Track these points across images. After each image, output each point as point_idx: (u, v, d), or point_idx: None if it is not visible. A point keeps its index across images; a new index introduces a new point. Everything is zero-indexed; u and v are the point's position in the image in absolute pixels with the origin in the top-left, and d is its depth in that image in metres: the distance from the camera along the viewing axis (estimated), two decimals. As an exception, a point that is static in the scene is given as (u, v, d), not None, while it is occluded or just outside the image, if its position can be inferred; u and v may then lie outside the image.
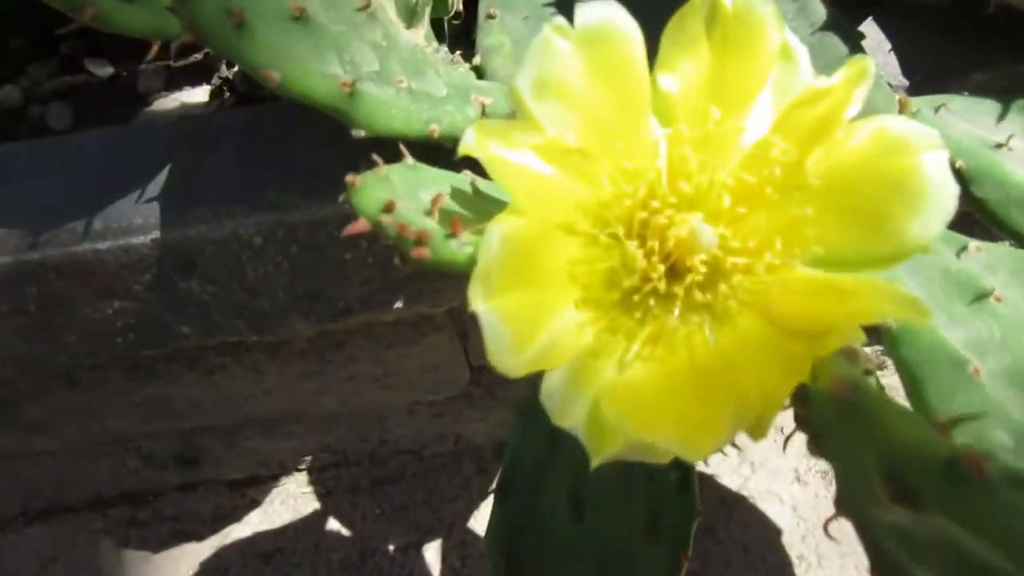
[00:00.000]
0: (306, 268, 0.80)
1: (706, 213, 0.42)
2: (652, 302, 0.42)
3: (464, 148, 0.40)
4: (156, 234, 0.80)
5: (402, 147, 0.48)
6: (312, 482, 1.27)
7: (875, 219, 0.42)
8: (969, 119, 0.65)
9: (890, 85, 0.77)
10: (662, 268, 0.41)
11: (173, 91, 1.06)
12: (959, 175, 0.63)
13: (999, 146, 0.63)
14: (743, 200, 0.42)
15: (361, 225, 0.40)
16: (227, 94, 1.00)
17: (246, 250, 0.81)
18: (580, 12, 0.41)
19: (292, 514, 1.25)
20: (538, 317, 0.40)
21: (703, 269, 0.42)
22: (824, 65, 0.70)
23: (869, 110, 0.67)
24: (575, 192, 0.42)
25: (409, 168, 0.48)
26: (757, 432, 0.38)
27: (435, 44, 0.60)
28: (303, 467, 1.25)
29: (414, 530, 1.18)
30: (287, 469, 1.25)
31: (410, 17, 0.58)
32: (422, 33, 0.58)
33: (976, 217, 0.63)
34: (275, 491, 1.27)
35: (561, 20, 0.41)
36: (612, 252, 0.42)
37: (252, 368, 1.03)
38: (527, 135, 0.41)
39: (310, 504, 1.25)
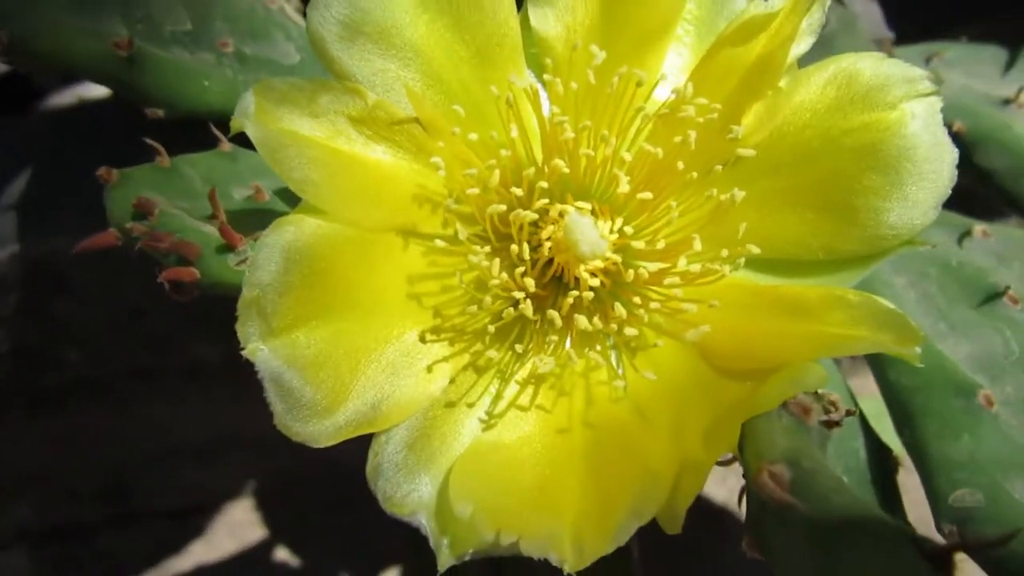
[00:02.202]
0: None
1: (600, 202, 0.30)
2: (530, 330, 0.30)
3: (238, 121, 0.28)
4: (15, 248, 0.70)
5: (214, 129, 0.35)
6: (258, 508, 1.18)
7: (840, 201, 0.29)
8: (968, 71, 0.52)
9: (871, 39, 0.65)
10: (531, 283, 0.29)
11: (73, 85, 0.98)
12: (957, 140, 0.50)
13: (1007, 102, 0.50)
14: (648, 182, 0.29)
15: (103, 239, 0.28)
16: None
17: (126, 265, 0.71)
18: None
19: (237, 544, 1.16)
20: (356, 357, 0.28)
21: (595, 282, 0.29)
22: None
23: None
24: (414, 179, 0.30)
25: (222, 157, 0.36)
26: (670, 521, 0.26)
27: (295, 2, 0.47)
28: (248, 493, 1.17)
29: (369, 558, 1.09)
30: (230, 496, 1.17)
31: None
32: (279, -13, 0.46)
33: (978, 193, 0.50)
34: (218, 520, 1.18)
35: None
36: (465, 255, 0.29)
37: (168, 393, 0.95)
38: (340, 100, 0.29)
39: (257, 532, 1.17)
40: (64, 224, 0.68)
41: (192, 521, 1.21)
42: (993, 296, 0.40)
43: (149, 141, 0.32)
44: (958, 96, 0.51)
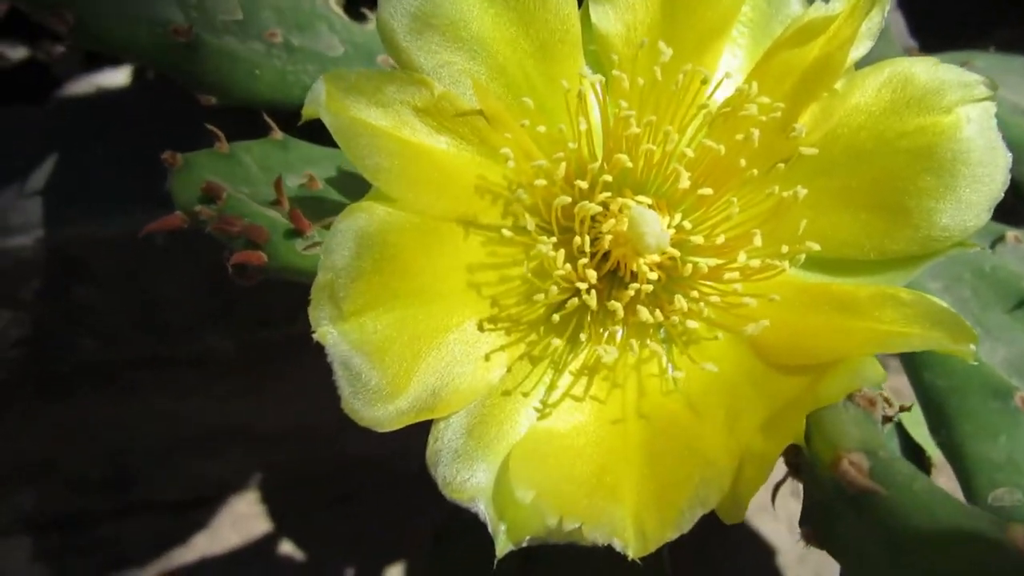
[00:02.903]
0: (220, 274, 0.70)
1: (656, 197, 0.30)
2: (587, 320, 0.30)
3: (310, 108, 0.28)
4: (40, 233, 0.70)
5: (267, 118, 0.36)
6: (263, 502, 1.18)
7: (894, 202, 0.30)
8: (998, 80, 0.53)
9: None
10: (593, 275, 0.29)
11: (92, 73, 0.98)
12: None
13: (1034, 112, 0.51)
14: (708, 178, 0.30)
15: (170, 220, 0.28)
16: (151, 75, 0.91)
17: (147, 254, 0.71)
18: None
19: (241, 536, 1.16)
20: (418, 344, 0.28)
21: (653, 276, 0.30)
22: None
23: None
24: (475, 170, 0.30)
25: (275, 145, 0.36)
26: (732, 510, 0.26)
27: (336, -5, 0.48)
28: (253, 487, 1.17)
29: (374, 553, 1.09)
30: (235, 489, 1.16)
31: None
32: (321, -22, 0.47)
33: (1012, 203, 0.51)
34: (222, 512, 1.18)
35: None
36: (529, 253, 0.30)
37: (177, 384, 0.94)
38: (406, 91, 0.29)
39: (261, 526, 1.16)
40: (87, 211, 0.68)
41: (196, 513, 1.21)
42: (1027, 301, 0.40)
43: (210, 127, 0.33)
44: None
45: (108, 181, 0.69)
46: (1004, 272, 0.42)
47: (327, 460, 1.17)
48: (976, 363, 0.38)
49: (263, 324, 0.72)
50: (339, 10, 0.49)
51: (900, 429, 0.40)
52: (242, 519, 1.20)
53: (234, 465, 1.16)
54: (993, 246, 0.43)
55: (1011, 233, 0.43)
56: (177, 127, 0.69)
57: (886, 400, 0.28)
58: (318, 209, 0.34)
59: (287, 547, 1.16)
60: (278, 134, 0.38)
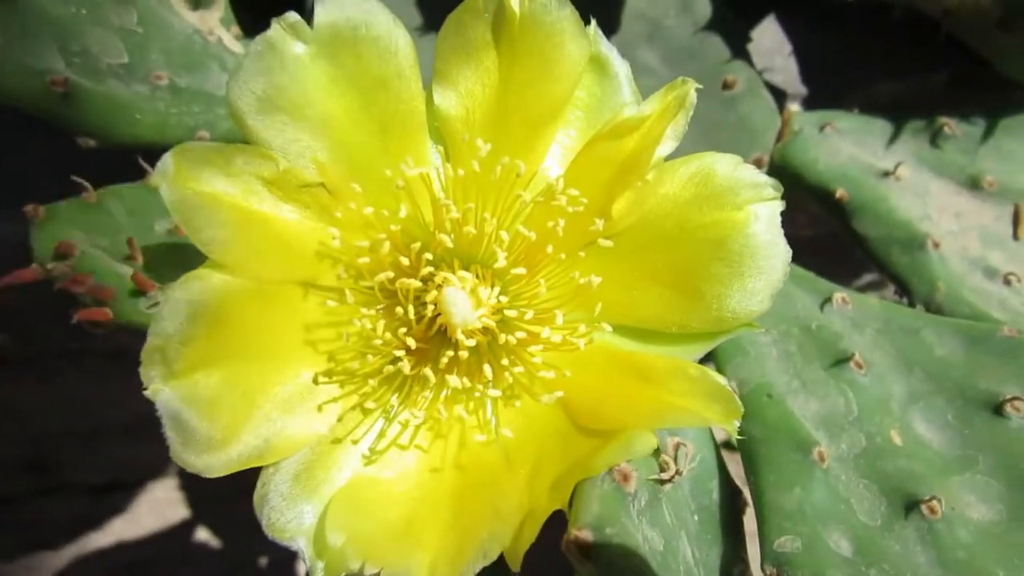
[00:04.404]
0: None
1: (483, 269, 0.34)
2: (406, 383, 0.33)
3: (158, 180, 0.30)
4: None
5: (142, 162, 0.38)
6: (180, 488, 1.19)
7: (692, 285, 0.33)
8: (857, 141, 0.57)
9: (785, 94, 0.69)
10: (412, 342, 0.32)
11: None
12: (840, 206, 0.55)
13: (886, 174, 0.55)
14: (522, 259, 0.33)
15: (23, 275, 0.31)
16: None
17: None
18: (320, 7, 0.31)
19: (158, 521, 1.17)
20: (251, 397, 0.31)
21: (471, 343, 0.33)
22: (702, 70, 0.62)
23: (743, 127, 0.59)
24: (317, 236, 0.33)
25: (147, 190, 0.38)
26: (512, 558, 0.30)
27: (234, 29, 0.50)
28: (171, 474, 1.17)
29: None
30: (154, 476, 1.17)
31: (195, -2, 0.48)
32: (216, 17, 0.48)
33: (860, 258, 0.55)
34: (141, 497, 1.19)
35: (293, 16, 0.31)
36: (353, 316, 0.33)
37: (98, 374, 0.95)
38: (253, 163, 0.32)
39: (178, 511, 1.17)
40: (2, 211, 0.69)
41: (114, 497, 1.21)
42: (842, 360, 0.44)
43: (76, 179, 0.35)
44: (845, 165, 0.56)
45: (17, 181, 0.69)
46: (827, 332, 0.46)
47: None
48: (785, 417, 0.42)
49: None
50: (235, 46, 0.51)
51: (723, 470, 0.43)
52: (160, 504, 1.20)
53: (153, 451, 1.16)
54: (822, 306, 0.47)
55: (839, 295, 0.47)
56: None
57: (663, 465, 0.31)
58: (180, 257, 0.36)
59: (203, 533, 1.16)
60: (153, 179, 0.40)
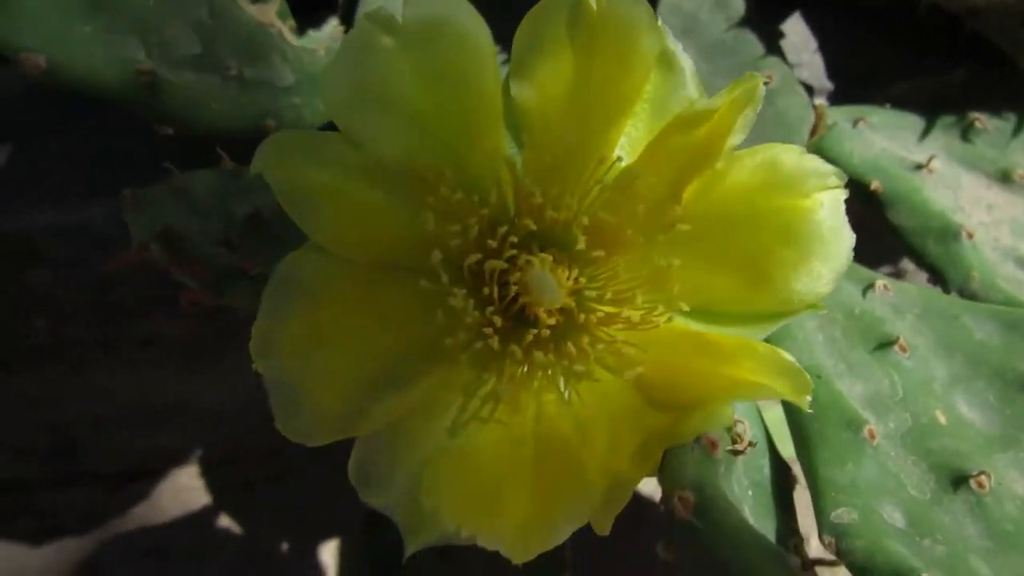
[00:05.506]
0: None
1: (561, 252, 0.35)
2: (493, 359, 0.35)
3: (257, 166, 0.32)
4: None
5: (219, 150, 0.39)
6: (203, 475, 1.20)
7: (758, 269, 0.35)
8: (890, 135, 0.59)
9: (812, 89, 0.71)
10: (499, 321, 0.34)
11: None
12: (875, 198, 0.57)
13: (919, 167, 0.57)
14: (601, 242, 0.35)
15: (127, 258, 0.32)
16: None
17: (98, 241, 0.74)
18: (408, 2, 0.33)
19: (181, 508, 1.18)
20: (345, 372, 0.33)
21: (551, 322, 0.35)
22: (737, 66, 0.64)
23: (780, 121, 0.61)
24: (405, 223, 0.35)
25: (225, 175, 0.40)
26: (600, 525, 0.32)
27: (290, 22, 0.51)
28: (194, 461, 1.19)
29: (309, 530, 1.12)
30: (177, 463, 1.18)
31: (257, -11, 0.49)
32: (273, 10, 0.50)
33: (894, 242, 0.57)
34: (163, 484, 1.20)
35: (383, 11, 0.33)
36: (445, 295, 0.35)
37: (125, 363, 0.96)
38: (344, 152, 0.34)
39: (201, 499, 1.19)
40: (41, 198, 0.70)
41: (137, 484, 1.22)
42: (885, 344, 0.46)
43: (167, 165, 0.37)
44: (878, 158, 0.58)
45: (62, 168, 0.71)
46: (870, 317, 0.48)
47: (265, 440, 1.20)
48: (834, 397, 0.44)
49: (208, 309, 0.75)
50: (292, 38, 0.52)
51: (772, 449, 0.45)
52: (183, 491, 1.21)
53: (177, 439, 1.18)
54: (864, 292, 0.49)
55: (880, 281, 0.49)
56: (128, 120, 0.72)
57: (735, 438, 0.33)
58: (266, 239, 0.38)
59: (225, 520, 1.17)
60: (228, 164, 0.42)
